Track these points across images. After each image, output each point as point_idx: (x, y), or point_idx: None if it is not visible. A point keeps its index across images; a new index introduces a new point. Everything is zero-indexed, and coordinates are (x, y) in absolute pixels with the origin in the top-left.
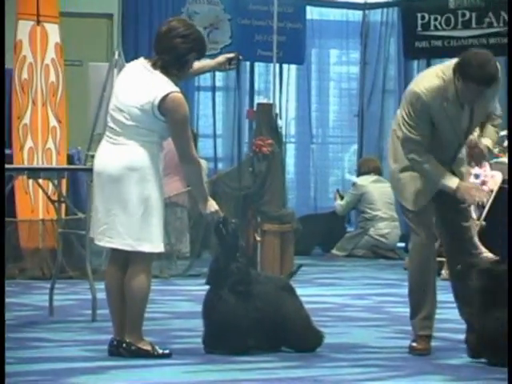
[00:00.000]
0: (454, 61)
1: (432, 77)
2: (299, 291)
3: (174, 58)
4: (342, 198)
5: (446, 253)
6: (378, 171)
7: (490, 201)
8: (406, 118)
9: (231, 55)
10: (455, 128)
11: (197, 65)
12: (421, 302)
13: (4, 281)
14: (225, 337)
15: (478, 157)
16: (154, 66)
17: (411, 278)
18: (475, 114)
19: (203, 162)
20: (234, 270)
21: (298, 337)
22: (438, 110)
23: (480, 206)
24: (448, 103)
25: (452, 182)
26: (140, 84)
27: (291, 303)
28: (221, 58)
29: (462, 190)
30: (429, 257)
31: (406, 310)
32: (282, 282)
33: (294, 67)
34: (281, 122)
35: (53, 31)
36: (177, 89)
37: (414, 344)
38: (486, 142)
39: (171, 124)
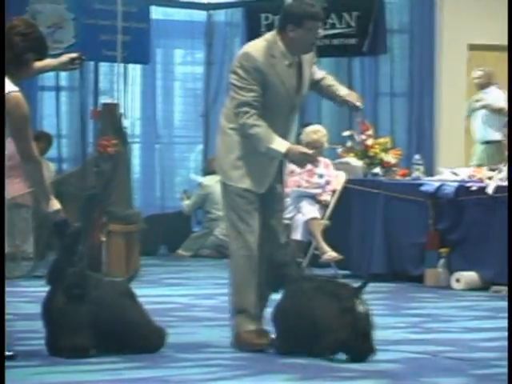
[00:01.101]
0: (273, 31)
1: (256, 41)
2: (145, 291)
3: (13, 56)
4: (189, 198)
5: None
6: None
7: (334, 200)
8: (238, 83)
9: (74, 55)
10: (285, 85)
11: (38, 64)
12: (250, 298)
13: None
14: (61, 339)
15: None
16: None
17: (237, 277)
18: (304, 72)
19: (50, 165)
20: (69, 273)
21: (140, 342)
22: (266, 65)
23: (324, 206)
24: (275, 59)
25: (282, 146)
26: None
27: (132, 308)
28: (64, 58)
29: (291, 154)
30: (255, 252)
31: None
32: (123, 287)
33: (138, 67)
34: (126, 122)
35: None
36: (15, 88)
37: (255, 341)
38: (344, 92)
39: (11, 124)
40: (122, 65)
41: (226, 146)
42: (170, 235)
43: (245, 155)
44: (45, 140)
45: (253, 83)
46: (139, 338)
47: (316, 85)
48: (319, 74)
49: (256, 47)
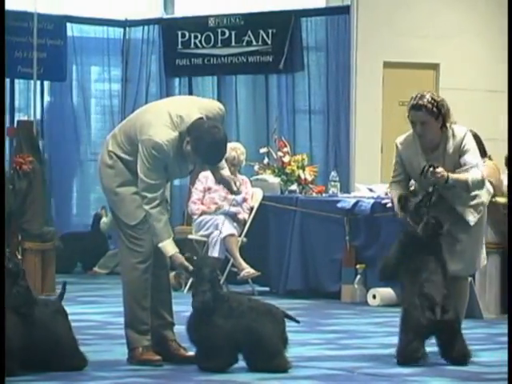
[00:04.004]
0: (192, 120)
1: (170, 128)
2: None
3: None
4: (106, 215)
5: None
6: None
7: (251, 217)
8: (148, 165)
9: None
10: (181, 169)
11: None
12: (144, 314)
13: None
14: None
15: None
16: None
17: (129, 295)
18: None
19: None
20: (14, 293)
21: (66, 359)
22: (173, 157)
23: (241, 223)
24: (177, 151)
25: (170, 249)
26: None
27: (63, 326)
28: None
29: (172, 260)
30: (148, 270)
31: None
32: (56, 305)
33: (55, 84)
34: (42, 140)
35: None
36: None
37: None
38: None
39: None
40: (38, 82)
41: (109, 175)
42: (86, 253)
43: (125, 183)
44: None
45: (158, 168)
46: (66, 356)
47: None
48: None
49: (170, 140)
